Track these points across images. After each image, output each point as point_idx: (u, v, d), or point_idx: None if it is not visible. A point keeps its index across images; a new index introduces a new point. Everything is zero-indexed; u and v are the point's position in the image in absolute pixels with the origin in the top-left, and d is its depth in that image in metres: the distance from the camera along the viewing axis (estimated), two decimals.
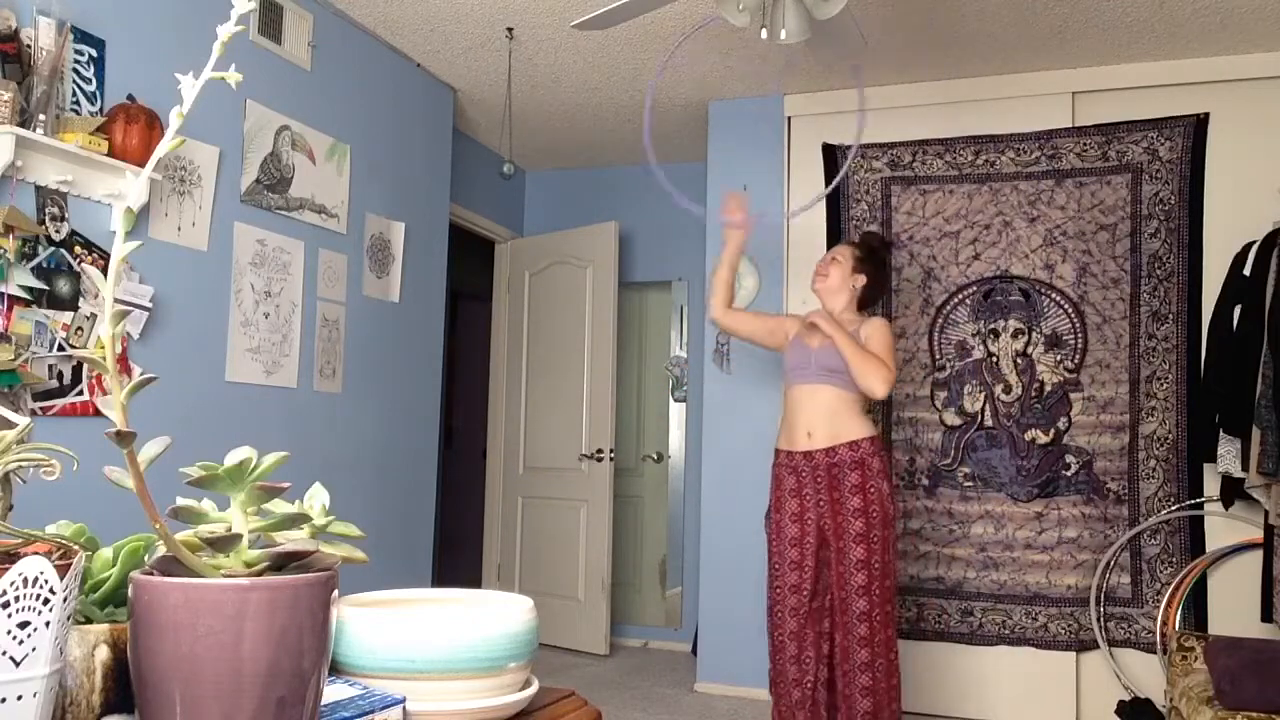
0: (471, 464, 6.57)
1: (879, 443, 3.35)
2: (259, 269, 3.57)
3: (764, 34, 2.78)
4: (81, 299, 2.86)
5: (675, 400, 5.93)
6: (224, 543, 0.71)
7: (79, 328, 2.85)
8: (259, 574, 0.71)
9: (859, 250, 3.56)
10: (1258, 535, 3.90)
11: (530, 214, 6.20)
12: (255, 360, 3.55)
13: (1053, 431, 4.30)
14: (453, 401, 6.84)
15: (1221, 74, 4.21)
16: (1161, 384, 4.20)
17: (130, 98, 2.98)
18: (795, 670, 3.31)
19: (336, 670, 0.87)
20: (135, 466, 0.67)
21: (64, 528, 0.82)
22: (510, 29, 4.11)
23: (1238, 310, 3.84)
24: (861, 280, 3.51)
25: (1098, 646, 4.17)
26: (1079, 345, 4.31)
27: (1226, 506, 3.96)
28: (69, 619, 0.64)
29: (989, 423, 4.38)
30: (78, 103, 2.87)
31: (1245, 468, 3.68)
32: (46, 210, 2.76)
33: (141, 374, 2.69)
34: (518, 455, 5.82)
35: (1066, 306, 4.32)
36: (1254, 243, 3.84)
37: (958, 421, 4.43)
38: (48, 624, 0.61)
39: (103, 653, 0.73)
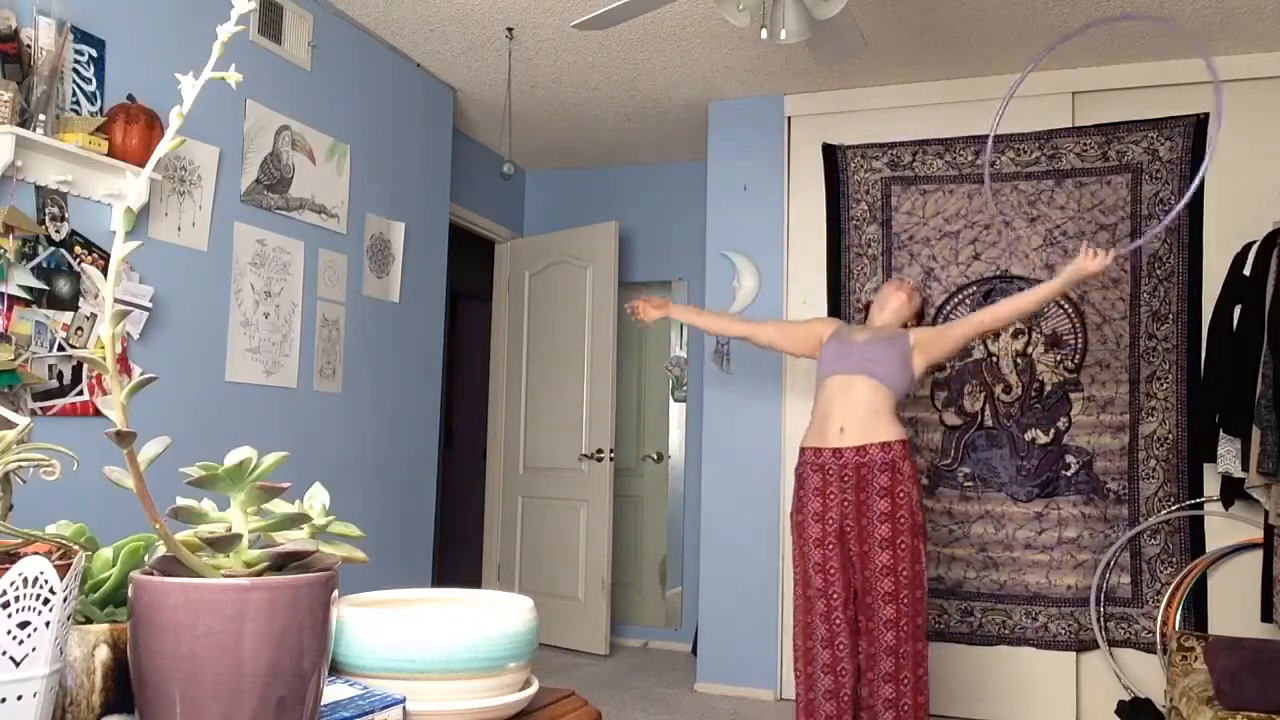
0: (471, 464, 6.57)
1: (909, 447, 3.26)
2: (259, 269, 3.57)
3: (764, 34, 2.78)
4: (81, 299, 2.86)
5: (675, 400, 5.93)
6: (224, 543, 0.71)
7: (79, 328, 2.85)
8: (259, 574, 0.71)
9: (920, 301, 3.62)
10: (1258, 535, 3.90)
11: (530, 214, 6.20)
12: (255, 360, 3.55)
13: (1052, 431, 4.30)
14: (453, 401, 6.84)
15: (1222, 74, 4.20)
16: (1161, 384, 4.20)
17: (130, 98, 2.98)
18: (830, 681, 3.16)
19: (336, 670, 0.87)
20: (135, 466, 0.67)
21: (64, 528, 0.82)
22: (510, 29, 4.11)
23: (1238, 310, 3.83)
24: (911, 320, 3.56)
25: (1098, 646, 4.17)
26: (1079, 345, 4.31)
27: (1226, 506, 3.96)
28: (69, 619, 0.64)
29: (989, 423, 4.38)
30: (78, 103, 2.87)
31: (1245, 468, 3.67)
32: (46, 210, 2.76)
33: (141, 374, 2.70)
34: (518, 455, 5.82)
35: (1066, 306, 4.32)
36: (1254, 243, 3.84)
37: (958, 421, 4.43)
38: (48, 624, 0.61)
39: (103, 653, 0.73)
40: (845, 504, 3.20)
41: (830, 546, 3.21)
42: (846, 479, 3.20)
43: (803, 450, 3.35)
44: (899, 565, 3.13)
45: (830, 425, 3.25)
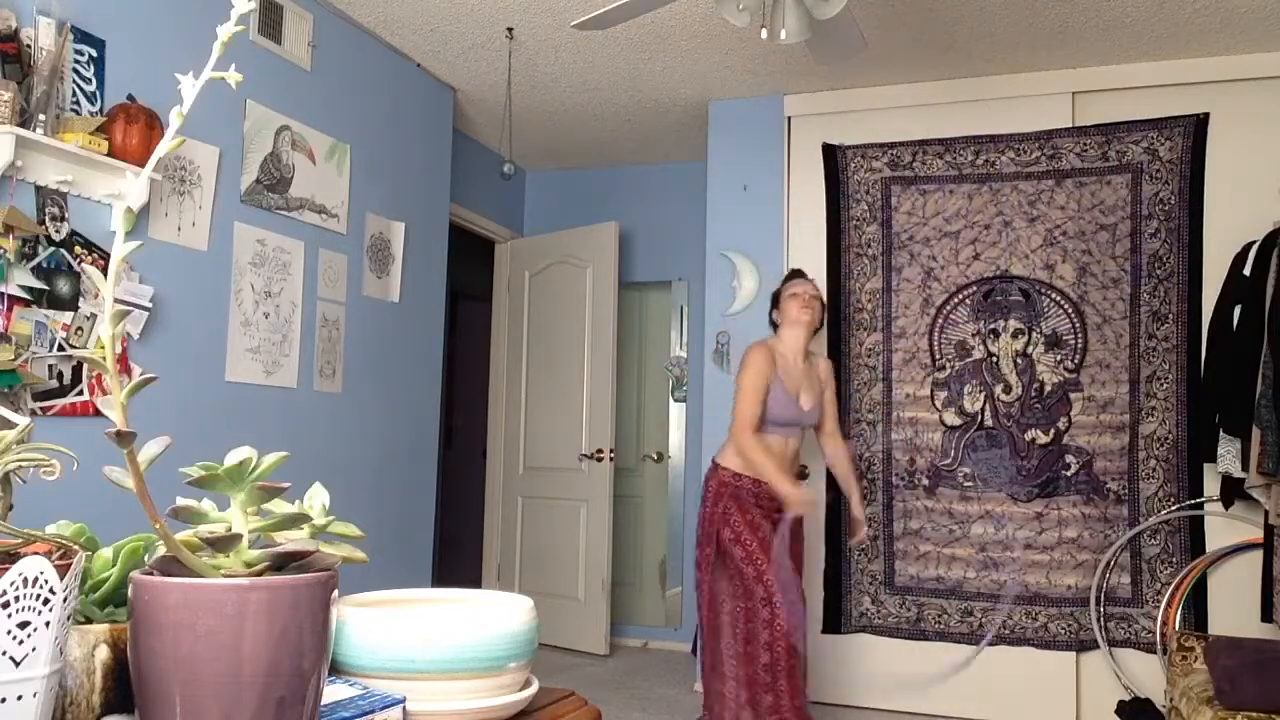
0: (471, 464, 6.57)
1: None
2: (259, 269, 3.57)
3: (764, 34, 2.78)
4: (81, 299, 2.86)
5: (675, 400, 5.93)
6: (224, 543, 0.71)
7: (79, 328, 2.85)
8: (259, 574, 0.71)
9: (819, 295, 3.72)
10: (1258, 535, 3.90)
11: (530, 214, 6.20)
12: (255, 360, 3.55)
13: (1053, 431, 4.30)
14: (453, 401, 6.84)
15: (1221, 74, 4.21)
16: (1161, 384, 4.20)
17: (130, 98, 2.98)
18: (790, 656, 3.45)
19: (336, 670, 0.87)
20: (135, 466, 0.67)
21: (64, 528, 0.82)
22: (510, 29, 4.11)
23: (1238, 310, 3.84)
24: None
25: (1098, 646, 4.17)
26: (1079, 345, 4.31)
27: (1226, 506, 3.96)
28: (69, 619, 0.64)
29: (989, 423, 4.38)
30: (78, 103, 2.87)
31: (1245, 468, 3.67)
32: (46, 210, 2.76)
33: (141, 374, 2.70)
34: (518, 455, 5.82)
35: (1066, 306, 4.32)
36: (1254, 243, 3.84)
37: (958, 421, 4.42)
38: (48, 624, 0.61)
39: (103, 653, 0.73)
40: (776, 523, 3.57)
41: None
42: (778, 509, 3.54)
43: (738, 475, 3.53)
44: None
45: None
